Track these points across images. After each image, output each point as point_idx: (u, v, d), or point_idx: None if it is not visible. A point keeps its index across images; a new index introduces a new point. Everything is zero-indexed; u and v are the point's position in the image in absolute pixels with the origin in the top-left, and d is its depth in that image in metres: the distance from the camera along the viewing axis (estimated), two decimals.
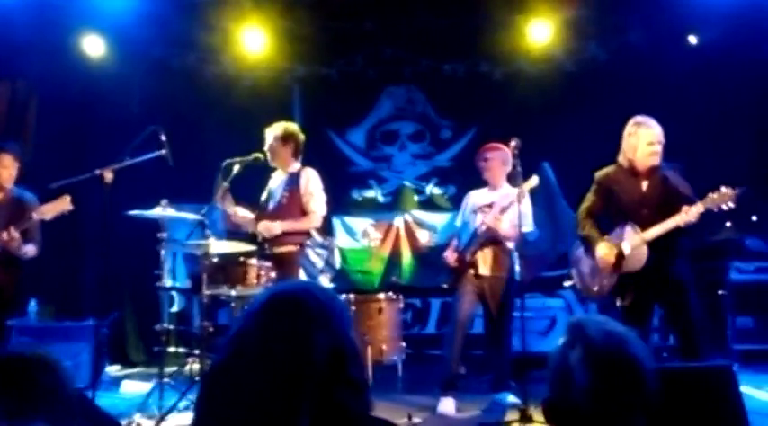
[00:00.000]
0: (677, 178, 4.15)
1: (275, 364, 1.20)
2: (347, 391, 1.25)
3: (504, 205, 5.07)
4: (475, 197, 5.45)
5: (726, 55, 6.81)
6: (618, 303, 4.20)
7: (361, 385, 1.28)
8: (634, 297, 4.15)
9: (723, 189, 3.89)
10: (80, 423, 1.40)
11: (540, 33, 7.14)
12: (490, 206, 5.20)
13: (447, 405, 4.91)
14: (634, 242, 4.12)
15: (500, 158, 5.22)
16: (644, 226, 4.10)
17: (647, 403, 1.39)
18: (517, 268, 5.18)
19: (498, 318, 5.11)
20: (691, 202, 3.97)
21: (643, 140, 4.17)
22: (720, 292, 6.33)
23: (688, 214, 3.92)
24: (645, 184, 4.19)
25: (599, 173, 4.39)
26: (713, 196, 3.90)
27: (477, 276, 5.15)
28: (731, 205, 3.87)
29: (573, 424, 1.42)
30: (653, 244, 4.07)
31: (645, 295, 4.14)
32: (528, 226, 5.14)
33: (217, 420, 1.22)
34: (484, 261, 5.14)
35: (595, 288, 4.35)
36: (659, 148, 4.15)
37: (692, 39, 7.01)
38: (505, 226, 5.05)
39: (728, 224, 6.47)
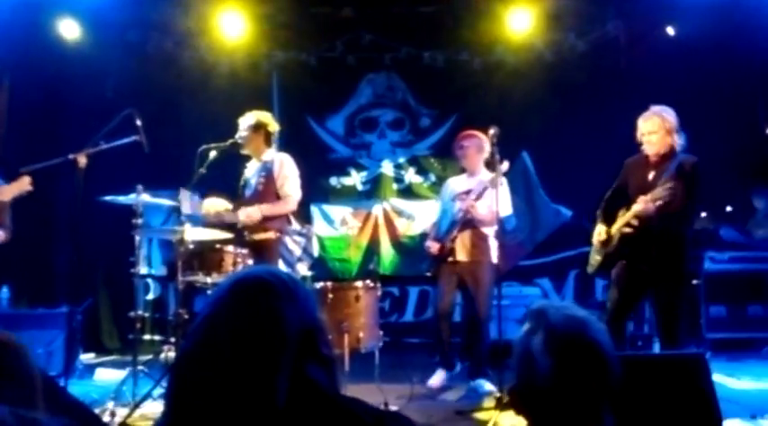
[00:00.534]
0: (672, 171, 4.28)
1: (249, 343, 1.20)
2: (318, 368, 1.26)
3: (480, 191, 5.16)
4: (453, 184, 5.54)
5: (705, 46, 6.85)
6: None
7: (331, 362, 1.29)
8: (618, 276, 4.39)
9: (666, 183, 4.13)
10: (45, 406, 1.36)
11: (519, 23, 7.14)
12: (468, 192, 5.29)
13: (437, 378, 5.27)
14: (617, 226, 4.39)
15: (476, 145, 5.30)
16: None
17: (609, 387, 1.39)
18: (495, 253, 5.22)
19: (477, 304, 5.15)
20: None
21: (638, 133, 4.43)
22: (694, 281, 6.40)
23: (637, 204, 4.19)
24: (652, 174, 4.37)
25: (627, 159, 4.63)
26: (656, 190, 4.15)
27: (455, 262, 5.22)
28: (668, 199, 4.10)
29: (538, 411, 1.42)
30: (632, 231, 4.29)
31: (628, 277, 4.35)
32: (506, 210, 5.22)
33: (193, 406, 1.20)
34: (462, 247, 5.23)
35: (592, 263, 4.62)
36: (647, 139, 4.36)
37: (670, 30, 7.04)
38: (483, 211, 5.14)
39: (704, 214, 6.54)
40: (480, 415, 4.33)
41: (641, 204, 4.17)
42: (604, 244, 4.46)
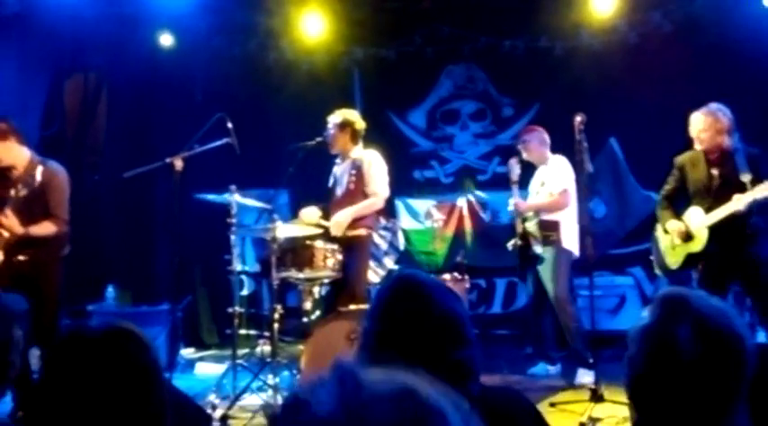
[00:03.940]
0: (743, 164, 4.20)
1: (427, 332, 1.54)
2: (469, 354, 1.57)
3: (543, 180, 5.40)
4: (533, 179, 5.67)
5: None
6: (694, 276, 4.49)
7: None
8: (704, 273, 4.39)
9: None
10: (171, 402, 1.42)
11: (602, 4, 6.91)
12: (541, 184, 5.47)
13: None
14: (699, 224, 4.34)
15: (537, 139, 5.48)
16: (708, 209, 4.30)
17: (747, 378, 1.37)
18: (568, 238, 5.27)
19: (548, 289, 5.18)
20: (744, 190, 4.10)
21: (690, 129, 4.46)
22: None
23: (737, 202, 4.10)
24: (716, 170, 4.35)
25: (677, 157, 4.61)
26: (762, 186, 4.03)
27: (532, 255, 5.29)
28: None
29: (662, 404, 1.37)
30: (715, 228, 4.25)
31: (716, 273, 4.33)
32: (558, 186, 5.28)
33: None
34: (533, 239, 5.30)
35: (669, 263, 4.58)
36: (697, 136, 4.39)
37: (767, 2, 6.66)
38: (541, 200, 5.37)
39: None
40: (574, 407, 4.26)
41: (741, 202, 4.09)
42: (685, 241, 4.42)
